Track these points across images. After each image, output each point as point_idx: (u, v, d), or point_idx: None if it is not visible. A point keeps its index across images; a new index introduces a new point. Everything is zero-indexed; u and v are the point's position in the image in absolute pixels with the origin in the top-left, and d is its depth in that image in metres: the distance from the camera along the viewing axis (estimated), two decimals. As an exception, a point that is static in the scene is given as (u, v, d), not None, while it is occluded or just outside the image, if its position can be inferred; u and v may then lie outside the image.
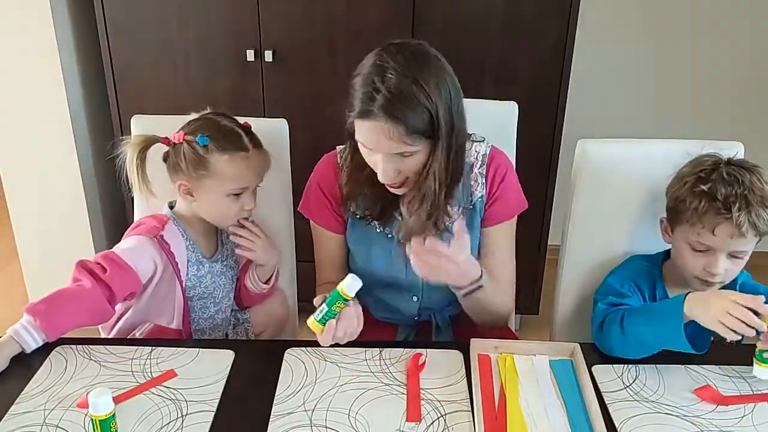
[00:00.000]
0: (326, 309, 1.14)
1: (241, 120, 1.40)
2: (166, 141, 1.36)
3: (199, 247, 1.43)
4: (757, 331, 1.09)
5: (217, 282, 1.47)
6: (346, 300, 1.14)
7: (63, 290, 1.27)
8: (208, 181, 1.34)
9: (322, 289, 1.39)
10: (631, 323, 1.22)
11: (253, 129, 1.40)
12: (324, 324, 1.14)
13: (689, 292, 1.18)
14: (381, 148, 1.19)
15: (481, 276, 1.25)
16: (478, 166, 1.35)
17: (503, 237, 1.40)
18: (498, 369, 1.21)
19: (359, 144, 1.24)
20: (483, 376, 1.18)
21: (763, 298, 1.10)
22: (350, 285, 1.14)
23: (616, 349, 1.25)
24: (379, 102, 1.14)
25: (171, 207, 1.44)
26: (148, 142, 1.34)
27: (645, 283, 1.37)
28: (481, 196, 1.35)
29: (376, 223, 1.37)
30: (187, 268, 1.40)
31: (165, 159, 1.38)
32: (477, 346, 1.25)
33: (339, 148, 1.39)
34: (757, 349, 1.16)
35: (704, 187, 1.24)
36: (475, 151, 1.35)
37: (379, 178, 1.24)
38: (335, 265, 1.44)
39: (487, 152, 1.36)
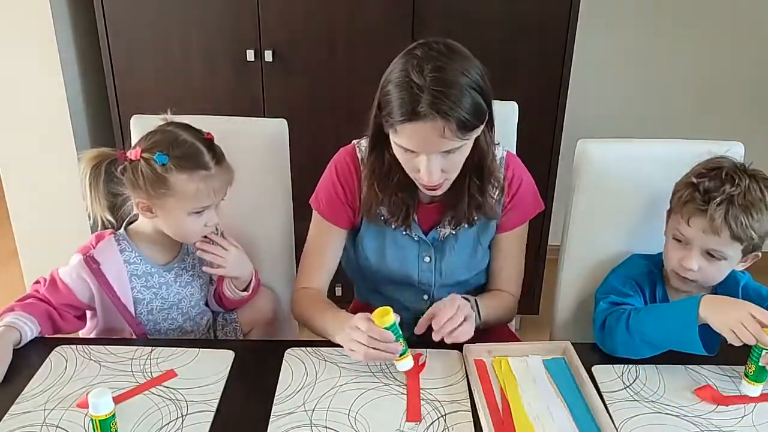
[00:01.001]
0: (403, 347, 1.16)
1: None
2: (123, 156, 1.28)
3: (149, 259, 1.37)
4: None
5: (183, 292, 1.41)
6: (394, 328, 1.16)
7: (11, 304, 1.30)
8: (168, 199, 1.27)
9: (304, 296, 1.39)
10: (639, 322, 1.22)
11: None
12: (405, 351, 1.17)
13: (703, 294, 1.18)
14: (430, 148, 1.16)
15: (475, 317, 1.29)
16: (497, 172, 1.33)
17: (516, 241, 1.42)
18: (494, 373, 1.21)
19: (399, 149, 1.20)
20: (482, 381, 1.18)
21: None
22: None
23: (620, 348, 1.25)
24: (426, 100, 1.10)
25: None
26: (102, 158, 1.29)
27: (646, 282, 1.37)
28: (499, 200, 1.35)
29: (393, 223, 1.36)
30: (130, 281, 1.35)
31: (122, 173, 1.29)
32: (471, 351, 1.24)
33: (355, 141, 1.39)
34: (748, 368, 1.16)
35: (695, 179, 1.25)
36: (493, 154, 1.32)
37: (424, 180, 1.20)
38: (323, 267, 1.41)
39: (504, 156, 1.36)
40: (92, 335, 1.41)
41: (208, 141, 1.32)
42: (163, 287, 1.39)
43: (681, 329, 1.16)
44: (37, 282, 1.35)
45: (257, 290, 1.49)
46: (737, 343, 1.11)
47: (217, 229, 1.37)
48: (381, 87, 1.19)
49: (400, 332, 1.16)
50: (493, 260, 1.44)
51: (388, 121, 1.17)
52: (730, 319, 1.11)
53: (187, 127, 1.32)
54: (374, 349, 1.13)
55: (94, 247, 1.34)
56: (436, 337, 1.18)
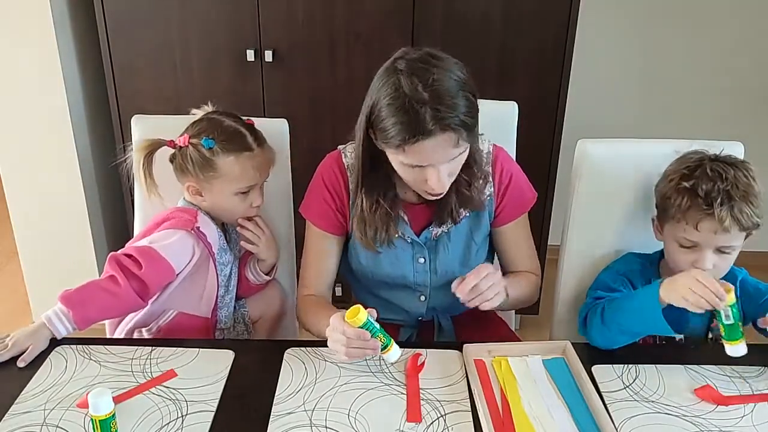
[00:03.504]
0: (384, 341, 1.17)
1: (244, 118, 1.41)
2: (171, 144, 1.38)
3: (223, 236, 1.46)
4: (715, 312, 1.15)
5: (233, 271, 1.50)
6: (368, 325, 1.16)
7: (97, 283, 1.28)
8: (215, 181, 1.37)
9: (306, 302, 1.39)
10: (611, 311, 1.25)
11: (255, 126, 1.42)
12: (388, 343, 1.17)
13: (662, 279, 1.21)
14: (442, 159, 1.16)
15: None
16: (483, 164, 1.34)
17: (521, 231, 1.43)
18: (495, 373, 1.21)
19: (404, 167, 1.19)
20: (482, 381, 1.18)
21: (715, 282, 1.14)
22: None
23: (599, 340, 1.27)
24: (432, 117, 1.09)
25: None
26: (154, 146, 1.37)
27: (638, 279, 1.38)
28: (489, 195, 1.35)
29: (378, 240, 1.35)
30: (219, 253, 1.43)
31: (171, 161, 1.40)
32: (471, 351, 1.24)
33: (341, 147, 1.39)
34: (720, 331, 1.18)
35: (687, 184, 1.24)
36: (479, 148, 1.33)
37: (434, 190, 1.21)
38: (322, 275, 1.41)
39: (491, 150, 1.36)
40: (131, 322, 1.41)
41: (249, 125, 1.41)
42: (228, 266, 1.47)
43: (648, 314, 1.20)
44: (117, 263, 1.28)
45: (270, 280, 1.56)
46: (697, 310, 1.14)
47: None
48: (370, 108, 1.17)
49: (377, 327, 1.16)
50: (505, 253, 1.44)
51: (388, 143, 1.16)
52: (681, 287, 1.15)
53: (229, 114, 1.42)
54: (354, 348, 1.14)
55: (195, 221, 1.37)
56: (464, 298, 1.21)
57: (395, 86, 1.12)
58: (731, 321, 1.15)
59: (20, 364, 1.20)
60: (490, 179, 1.35)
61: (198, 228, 1.38)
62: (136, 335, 1.42)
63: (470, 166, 1.28)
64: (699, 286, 1.13)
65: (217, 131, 1.36)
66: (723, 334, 1.17)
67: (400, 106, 1.11)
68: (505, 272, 1.46)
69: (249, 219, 1.46)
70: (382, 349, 1.17)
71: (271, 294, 1.60)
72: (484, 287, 1.20)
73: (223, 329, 1.51)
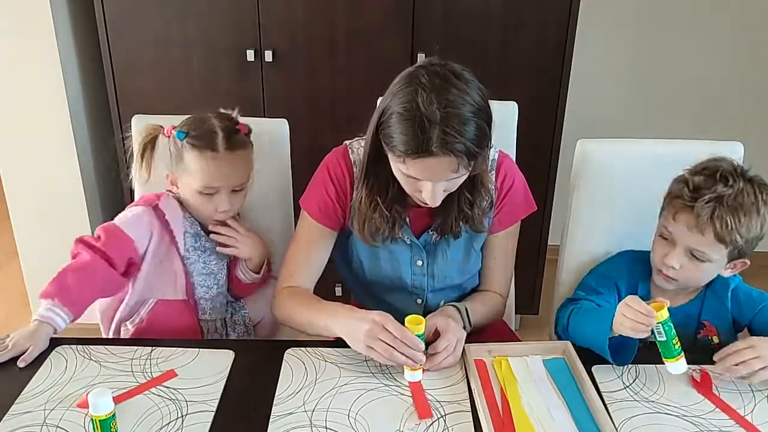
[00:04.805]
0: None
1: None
2: (165, 132, 1.41)
3: (197, 223, 1.44)
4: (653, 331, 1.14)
5: (221, 263, 1.48)
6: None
7: (65, 267, 1.32)
8: (183, 175, 1.38)
9: (287, 293, 1.36)
10: (574, 323, 1.27)
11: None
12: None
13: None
14: (438, 178, 1.16)
15: (466, 325, 1.31)
16: (491, 190, 1.33)
17: (506, 242, 1.42)
18: (495, 373, 1.21)
19: (402, 174, 1.20)
20: (482, 381, 1.18)
21: (641, 302, 1.13)
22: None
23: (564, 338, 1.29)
24: (438, 138, 1.09)
25: None
26: (152, 133, 1.41)
27: (624, 280, 1.37)
28: (488, 213, 1.35)
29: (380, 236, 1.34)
30: (185, 238, 1.42)
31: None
32: (471, 351, 1.24)
33: (347, 142, 1.38)
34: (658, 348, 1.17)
35: (688, 175, 1.24)
36: (487, 167, 1.31)
37: (426, 202, 1.21)
38: (310, 268, 1.38)
39: (496, 157, 1.35)
40: (115, 318, 1.44)
41: (231, 128, 1.38)
42: (207, 252, 1.45)
43: (596, 341, 1.20)
44: (81, 242, 1.35)
45: (268, 280, 1.53)
46: (638, 335, 1.13)
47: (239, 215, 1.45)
48: (382, 111, 1.17)
49: (422, 343, 1.16)
50: (483, 260, 1.43)
51: (391, 149, 1.16)
52: (618, 315, 1.15)
53: (224, 116, 1.41)
54: (400, 353, 1.13)
55: (157, 200, 1.41)
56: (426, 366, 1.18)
57: (411, 98, 1.11)
58: (663, 338, 1.13)
59: (20, 364, 1.20)
60: (492, 186, 1.33)
61: (156, 205, 1.40)
62: (122, 330, 1.44)
63: (476, 188, 1.28)
64: (629, 310, 1.13)
65: (194, 126, 1.37)
66: (660, 351, 1.16)
67: (411, 119, 1.11)
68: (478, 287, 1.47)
69: (221, 223, 1.43)
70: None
71: (271, 294, 1.57)
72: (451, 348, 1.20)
73: (209, 320, 1.49)
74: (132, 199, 1.55)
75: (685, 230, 1.21)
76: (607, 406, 1.13)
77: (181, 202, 1.44)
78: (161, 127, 1.41)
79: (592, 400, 1.12)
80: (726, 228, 1.17)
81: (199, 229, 1.44)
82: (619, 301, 1.29)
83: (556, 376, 1.20)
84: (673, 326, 1.14)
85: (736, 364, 1.14)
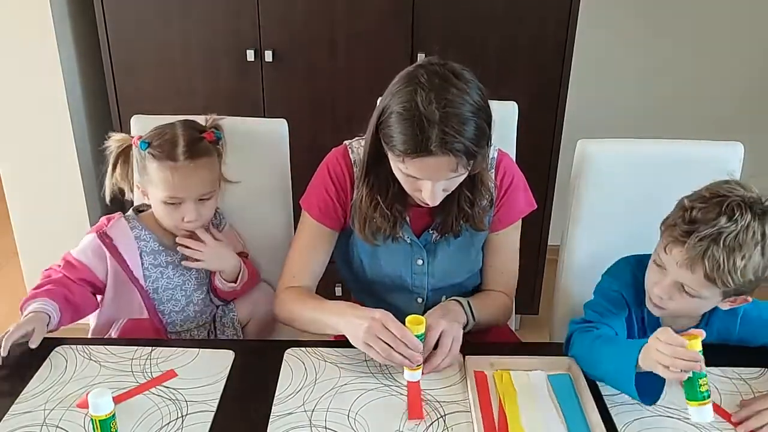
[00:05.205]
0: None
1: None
2: (133, 142, 1.39)
3: (158, 239, 1.42)
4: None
5: (187, 275, 1.45)
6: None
7: (36, 287, 1.34)
8: (148, 185, 1.37)
9: (289, 292, 1.36)
10: (593, 355, 1.17)
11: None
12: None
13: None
14: (438, 177, 1.16)
15: (468, 321, 1.30)
16: (491, 188, 1.33)
17: (509, 240, 1.41)
18: (495, 385, 1.18)
19: (401, 173, 1.20)
20: (480, 393, 1.15)
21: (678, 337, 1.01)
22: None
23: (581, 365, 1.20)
24: (437, 138, 1.09)
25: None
26: (122, 143, 1.41)
27: (630, 291, 1.27)
28: (490, 200, 1.35)
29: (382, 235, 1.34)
30: (141, 258, 1.40)
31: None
32: (472, 363, 1.21)
33: (347, 142, 1.38)
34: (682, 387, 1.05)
35: (689, 202, 1.12)
36: (487, 165, 1.30)
37: (426, 201, 1.20)
38: (311, 268, 1.38)
39: (495, 155, 1.35)
40: (98, 319, 1.44)
41: (195, 136, 1.36)
42: (169, 267, 1.43)
43: (619, 375, 1.10)
44: (48, 269, 1.39)
45: (252, 284, 1.52)
46: (676, 378, 1.02)
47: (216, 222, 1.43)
48: (382, 111, 1.17)
49: (421, 343, 1.15)
50: (486, 259, 1.43)
51: (391, 148, 1.16)
52: (652, 351, 1.02)
53: (190, 123, 1.38)
54: (398, 353, 1.12)
55: (106, 225, 1.40)
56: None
57: (410, 97, 1.11)
58: (689, 375, 1.01)
59: (32, 345, 1.20)
60: (491, 185, 1.33)
61: (104, 232, 1.38)
62: None
63: (476, 186, 1.28)
64: (665, 346, 1.00)
65: (156, 136, 1.35)
66: (684, 391, 1.04)
67: (410, 118, 1.11)
68: (479, 286, 1.46)
69: (188, 235, 1.41)
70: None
71: (257, 295, 1.55)
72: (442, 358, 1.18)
73: (183, 332, 1.48)
74: (132, 202, 1.55)
75: (675, 265, 1.11)
76: (609, 410, 1.11)
77: (143, 220, 1.43)
78: (131, 137, 1.40)
79: (592, 418, 1.08)
80: (717, 270, 1.06)
81: (158, 246, 1.42)
82: (629, 315, 1.26)
83: (559, 391, 1.16)
84: (704, 363, 1.00)
85: (761, 427, 1.05)
